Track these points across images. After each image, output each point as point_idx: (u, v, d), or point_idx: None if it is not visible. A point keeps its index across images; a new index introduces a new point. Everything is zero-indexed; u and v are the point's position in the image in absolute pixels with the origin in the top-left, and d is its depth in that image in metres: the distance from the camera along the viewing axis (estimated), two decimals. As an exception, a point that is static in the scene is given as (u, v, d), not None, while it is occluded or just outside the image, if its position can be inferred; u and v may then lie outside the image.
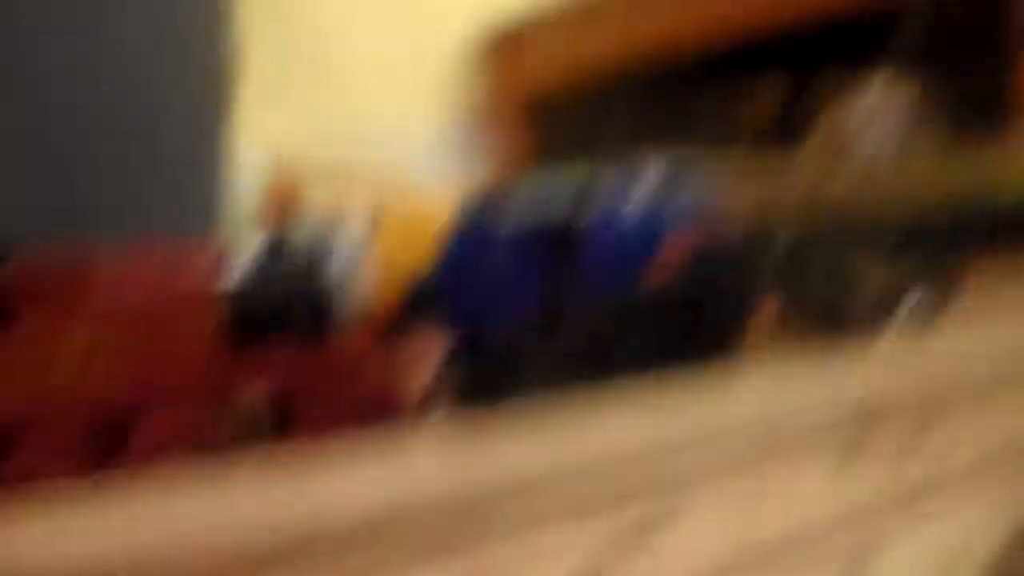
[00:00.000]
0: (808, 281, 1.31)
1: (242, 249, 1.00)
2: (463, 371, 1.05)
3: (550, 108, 4.69)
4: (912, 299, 1.16)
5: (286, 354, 0.95)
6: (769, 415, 0.83)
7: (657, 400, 0.95)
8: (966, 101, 2.89)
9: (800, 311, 1.36)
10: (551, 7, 4.22)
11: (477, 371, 1.05)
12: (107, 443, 0.92)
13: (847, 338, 1.12)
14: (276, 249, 1.01)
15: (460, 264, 1.08)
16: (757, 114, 5.27)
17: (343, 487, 0.75)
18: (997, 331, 1.06)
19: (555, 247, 1.05)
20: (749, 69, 5.10)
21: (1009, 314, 1.14)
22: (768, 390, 0.93)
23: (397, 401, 0.98)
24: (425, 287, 1.13)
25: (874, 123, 2.37)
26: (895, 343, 1.05)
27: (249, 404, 1.00)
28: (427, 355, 1.06)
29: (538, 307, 1.03)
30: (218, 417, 0.94)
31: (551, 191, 1.09)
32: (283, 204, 1.05)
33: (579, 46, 4.23)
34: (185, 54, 2.35)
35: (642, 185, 1.17)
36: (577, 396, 0.95)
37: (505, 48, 4.55)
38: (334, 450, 0.84)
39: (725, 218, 1.20)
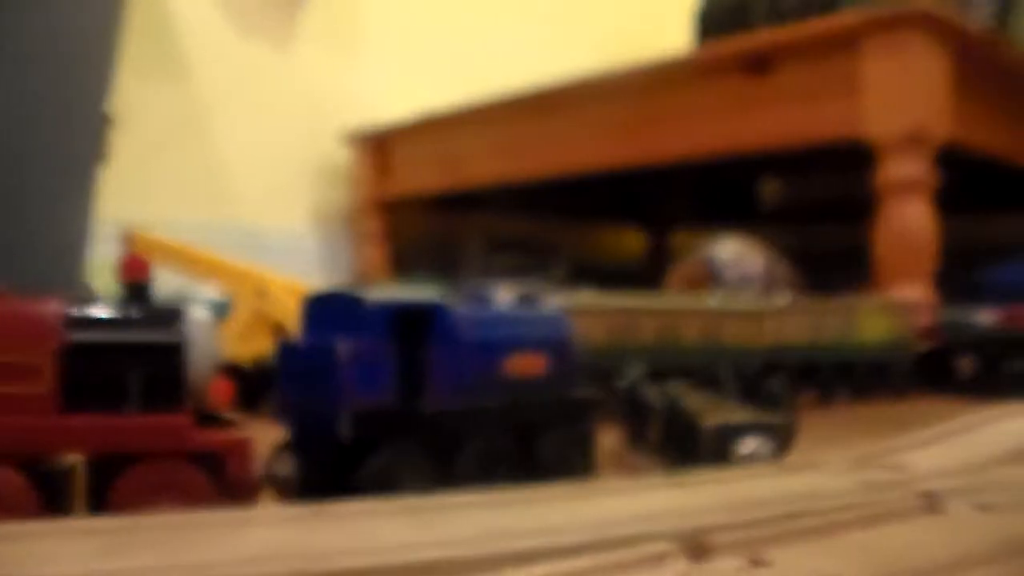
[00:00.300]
0: (651, 415, 1.32)
1: (93, 307, 0.95)
2: (300, 461, 1.01)
3: (414, 211, 4.71)
4: (753, 439, 1.17)
5: (116, 420, 0.90)
6: (608, 535, 0.82)
7: (499, 510, 0.93)
8: (824, 259, 3.01)
9: (644, 442, 1.36)
10: (424, 113, 4.27)
11: (315, 462, 1.01)
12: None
13: (688, 470, 1.12)
14: (124, 311, 0.96)
15: (307, 355, 1.04)
16: (617, 256, 5.37)
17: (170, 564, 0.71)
18: (825, 477, 1.07)
19: (406, 342, 1.03)
20: (611, 212, 5.20)
21: (836, 462, 1.16)
22: (609, 511, 0.92)
23: (232, 482, 0.93)
24: (270, 374, 1.10)
25: (731, 272, 2.44)
26: (731, 479, 1.05)
27: (67, 469, 0.94)
28: (264, 439, 1.03)
29: (386, 402, 1.00)
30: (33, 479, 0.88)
31: (406, 296, 1.08)
32: (137, 270, 1.01)
33: (447, 154, 4.27)
34: (67, 114, 2.29)
35: (496, 301, 1.17)
36: (421, 495, 0.92)
37: (375, 151, 4.57)
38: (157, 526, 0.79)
39: (575, 346, 1.21)
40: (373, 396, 0.99)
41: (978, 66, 3.05)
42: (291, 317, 1.85)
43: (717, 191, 4.63)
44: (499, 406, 1.09)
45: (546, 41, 5.06)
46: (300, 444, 1.03)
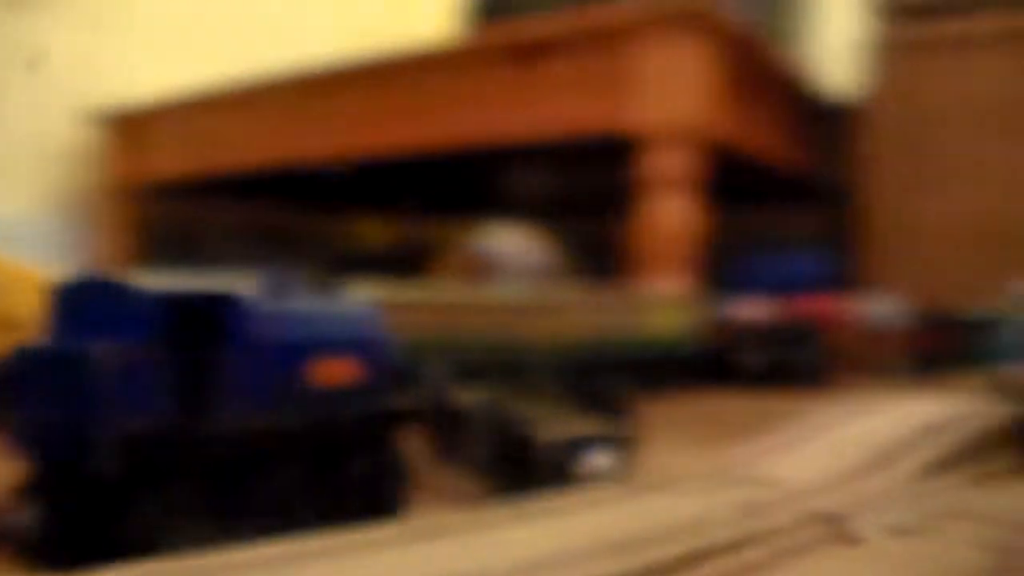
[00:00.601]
0: (468, 425, 1.08)
1: None
2: (47, 506, 0.72)
3: (159, 197, 4.27)
4: (596, 453, 0.96)
5: None
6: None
7: (307, 567, 0.69)
8: (583, 250, 2.88)
9: (456, 458, 1.13)
10: (177, 94, 3.86)
11: (67, 508, 0.72)
12: None
13: (524, 494, 0.90)
14: None
15: (54, 361, 0.75)
16: (364, 246, 5.12)
17: None
18: (693, 499, 0.88)
19: (184, 344, 0.76)
20: (357, 202, 4.96)
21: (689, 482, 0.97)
22: (451, 561, 0.69)
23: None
24: (4, 383, 0.80)
25: (508, 262, 2.25)
26: (585, 505, 0.84)
27: None
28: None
29: (161, 424, 0.73)
30: None
31: (185, 285, 0.80)
32: None
33: (199, 139, 3.87)
34: None
35: (292, 298, 0.91)
36: (205, 549, 0.66)
37: (122, 132, 4.11)
38: None
39: (388, 348, 0.96)
40: (144, 416, 0.71)
41: (744, 66, 3.01)
42: (28, 311, 1.51)
43: (467, 182, 4.47)
44: (302, 425, 0.83)
45: (308, 24, 4.75)
46: (46, 481, 0.74)
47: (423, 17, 4.37)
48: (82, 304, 0.77)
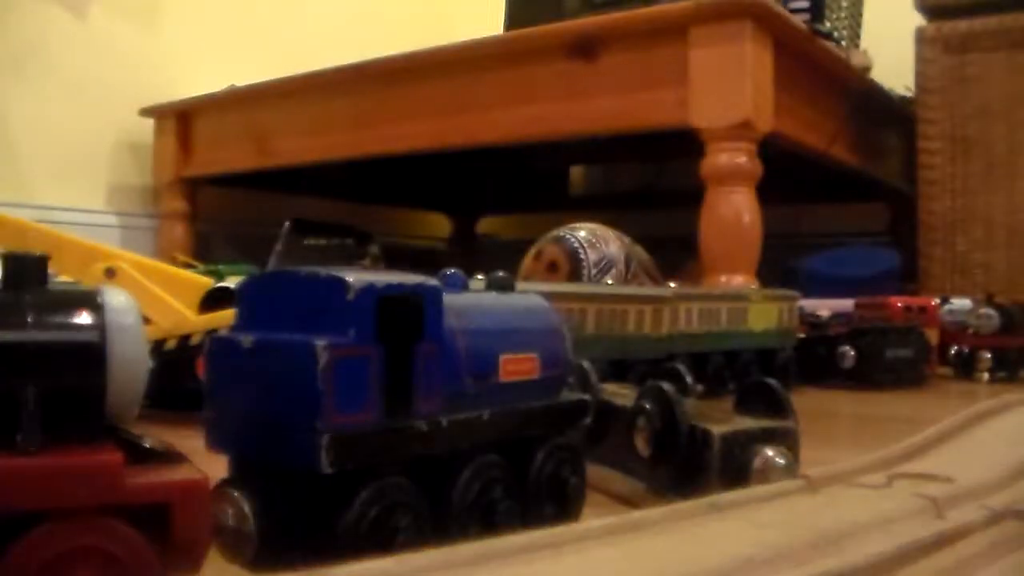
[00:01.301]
0: (634, 420, 1.05)
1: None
2: (260, 503, 0.69)
3: (219, 190, 4.25)
4: (769, 449, 0.93)
5: (7, 461, 0.57)
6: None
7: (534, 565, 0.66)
8: (650, 245, 2.84)
9: (608, 455, 1.10)
10: (231, 87, 3.83)
11: (282, 505, 0.70)
12: None
13: (701, 486, 0.88)
14: (7, 297, 0.62)
15: (259, 355, 0.72)
16: (423, 240, 5.10)
17: None
18: (871, 494, 0.85)
19: (388, 337, 0.73)
20: (415, 196, 4.93)
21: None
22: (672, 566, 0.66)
23: (179, 543, 0.61)
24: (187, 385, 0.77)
25: (590, 254, 2.21)
26: (768, 499, 0.81)
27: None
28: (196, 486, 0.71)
29: (371, 420, 0.71)
30: None
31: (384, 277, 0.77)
32: None
33: (254, 132, 3.84)
34: None
35: (472, 291, 0.88)
36: (424, 547, 0.64)
37: (177, 125, 4.08)
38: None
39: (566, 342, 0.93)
40: (358, 413, 0.69)
41: (797, 61, 2.97)
42: (148, 300, 1.49)
43: (525, 177, 4.44)
44: (494, 420, 0.81)
45: (361, 16, 4.72)
46: (254, 478, 0.71)
47: (474, 12, 4.35)
48: (277, 296, 0.75)
